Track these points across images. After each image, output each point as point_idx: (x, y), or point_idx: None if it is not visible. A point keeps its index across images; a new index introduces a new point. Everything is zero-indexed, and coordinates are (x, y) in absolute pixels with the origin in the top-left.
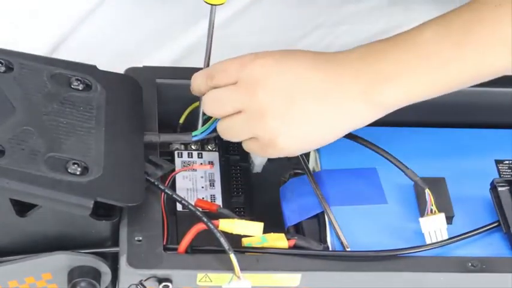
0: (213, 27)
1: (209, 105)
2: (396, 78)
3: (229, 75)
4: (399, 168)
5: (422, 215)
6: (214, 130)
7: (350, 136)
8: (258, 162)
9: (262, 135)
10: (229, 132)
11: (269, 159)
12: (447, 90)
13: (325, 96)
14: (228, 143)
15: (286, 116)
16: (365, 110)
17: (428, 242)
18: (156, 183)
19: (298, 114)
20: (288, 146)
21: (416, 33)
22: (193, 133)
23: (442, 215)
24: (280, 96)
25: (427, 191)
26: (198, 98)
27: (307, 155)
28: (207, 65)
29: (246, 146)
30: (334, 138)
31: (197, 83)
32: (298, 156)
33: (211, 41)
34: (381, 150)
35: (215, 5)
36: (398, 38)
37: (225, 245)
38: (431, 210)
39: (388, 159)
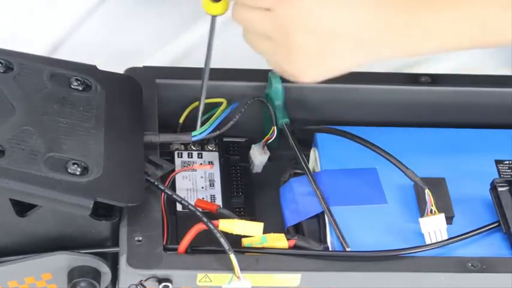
0: (213, 37)
1: (239, 20)
2: (432, 30)
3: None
4: (399, 169)
5: (422, 215)
6: (214, 130)
7: (350, 136)
8: (258, 162)
9: (286, 67)
10: (259, 51)
11: (269, 159)
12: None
13: (361, 46)
14: (228, 143)
15: (316, 60)
16: (392, 54)
17: (428, 242)
18: (156, 183)
19: (328, 60)
20: (309, 80)
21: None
22: (193, 133)
23: (442, 216)
24: (315, 39)
25: (427, 191)
26: (197, 98)
27: (307, 155)
28: (207, 76)
29: (272, 65)
30: (349, 69)
31: None
32: (298, 156)
33: (211, 51)
34: (381, 150)
35: (216, 15)
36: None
37: (225, 245)
38: (431, 210)
39: (388, 159)
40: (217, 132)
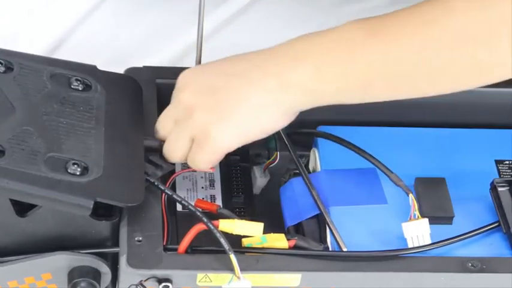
0: (203, 16)
1: (158, 135)
2: (307, 57)
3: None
4: (383, 172)
5: (421, 214)
6: None
7: (336, 139)
8: (258, 184)
9: (195, 132)
10: (171, 150)
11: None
12: (357, 86)
13: (243, 78)
14: None
15: (212, 106)
16: (281, 91)
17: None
18: (156, 183)
19: (223, 101)
20: (223, 135)
21: (341, 26)
22: None
23: (426, 221)
24: (202, 91)
25: (410, 196)
26: None
27: (306, 155)
28: (200, 55)
29: (189, 159)
30: (269, 121)
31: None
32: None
33: (202, 31)
34: (366, 154)
35: None
36: (323, 31)
37: (225, 245)
38: (415, 215)
39: (372, 162)
40: None
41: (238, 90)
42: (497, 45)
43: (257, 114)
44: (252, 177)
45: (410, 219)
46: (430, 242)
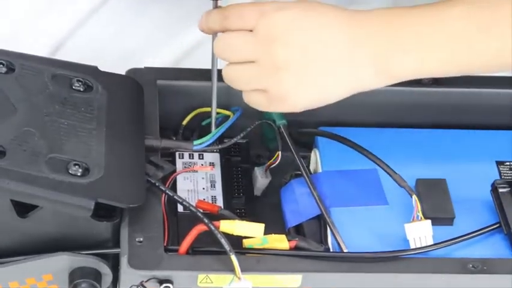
0: None
1: (221, 49)
2: (412, 50)
3: (245, 22)
4: (387, 173)
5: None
6: (216, 141)
7: (340, 139)
8: (259, 185)
9: (273, 89)
10: (236, 79)
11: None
12: (462, 72)
13: (341, 56)
14: (229, 144)
15: (302, 74)
16: (374, 76)
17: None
18: (157, 184)
19: (313, 73)
20: (297, 103)
21: (443, 8)
22: (195, 142)
23: (428, 222)
24: (298, 53)
25: (414, 197)
26: (198, 99)
27: (307, 156)
28: (216, 65)
29: (250, 98)
30: (338, 98)
31: (210, 20)
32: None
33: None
34: (370, 154)
35: None
36: (424, 10)
37: (226, 246)
38: (418, 216)
39: (376, 163)
40: (219, 146)
41: (331, 64)
42: None
43: (337, 90)
44: (253, 178)
45: (413, 220)
46: (432, 243)
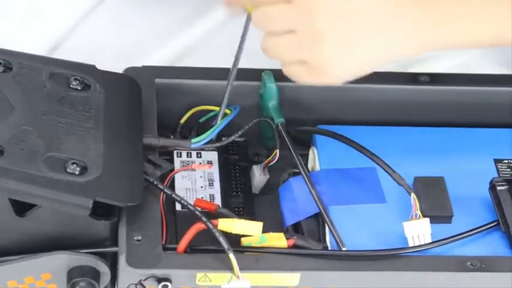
0: (246, 35)
1: (259, 20)
2: (446, 21)
3: None
4: (386, 171)
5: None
6: (213, 139)
7: (339, 137)
8: (257, 183)
9: (314, 61)
10: (275, 50)
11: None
12: (491, 45)
13: (383, 28)
14: (227, 143)
15: (343, 45)
16: (413, 47)
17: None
18: (155, 182)
19: (355, 45)
20: (337, 74)
21: None
22: (193, 140)
23: (427, 220)
24: (340, 24)
25: (412, 195)
26: (196, 98)
27: (305, 154)
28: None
29: (290, 69)
30: (375, 67)
31: None
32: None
33: (242, 50)
34: (369, 152)
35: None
36: None
37: (224, 244)
38: (416, 215)
39: (375, 161)
40: (217, 144)
41: (372, 33)
42: None
43: (377, 58)
44: (251, 175)
45: (411, 218)
46: (430, 241)
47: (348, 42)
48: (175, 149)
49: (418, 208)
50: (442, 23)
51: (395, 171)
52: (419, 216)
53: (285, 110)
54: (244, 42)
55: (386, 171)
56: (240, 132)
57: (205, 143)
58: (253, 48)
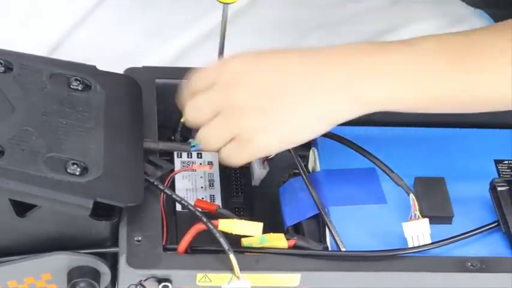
0: (225, 26)
1: (189, 114)
2: (379, 75)
3: (206, 79)
4: (384, 172)
5: (421, 214)
6: None
7: (338, 138)
8: (256, 176)
9: (241, 134)
10: (207, 140)
11: (268, 161)
12: (437, 106)
13: (306, 89)
14: None
15: (266, 112)
16: (345, 104)
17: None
18: (155, 183)
19: (278, 110)
20: (268, 143)
21: (414, 42)
22: (192, 143)
23: (426, 221)
24: (259, 92)
25: (411, 196)
26: None
27: (305, 155)
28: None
29: (224, 153)
30: (314, 134)
31: (181, 97)
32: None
33: (223, 41)
34: (367, 153)
35: (227, 3)
36: (394, 42)
37: (225, 245)
38: (415, 215)
39: (373, 162)
40: None
41: (293, 101)
42: None
43: (308, 126)
44: (251, 169)
45: (410, 219)
46: (430, 241)
47: (272, 111)
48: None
49: (417, 208)
50: (374, 80)
51: (393, 172)
52: (419, 216)
53: None
54: (224, 33)
55: (384, 172)
56: None
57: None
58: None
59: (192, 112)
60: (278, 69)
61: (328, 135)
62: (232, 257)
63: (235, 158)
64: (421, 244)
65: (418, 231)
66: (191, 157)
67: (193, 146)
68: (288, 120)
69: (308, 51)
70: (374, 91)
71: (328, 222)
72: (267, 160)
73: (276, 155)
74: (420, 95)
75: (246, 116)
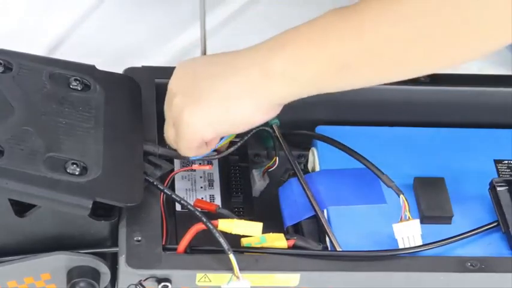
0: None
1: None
2: (285, 45)
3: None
4: (375, 174)
5: (420, 215)
6: (215, 150)
7: (330, 141)
8: (257, 187)
9: (172, 115)
10: (165, 135)
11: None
12: (333, 70)
13: (225, 67)
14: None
15: (189, 91)
16: (261, 81)
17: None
18: (155, 183)
19: (198, 87)
20: (194, 119)
21: (319, 16)
22: None
23: (417, 222)
24: (186, 79)
25: (401, 197)
26: None
27: (305, 155)
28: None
29: (173, 143)
30: (244, 115)
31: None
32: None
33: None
34: (358, 155)
35: None
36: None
37: (225, 245)
38: (406, 216)
39: (364, 164)
40: (217, 155)
41: (216, 78)
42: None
43: (229, 104)
44: (251, 180)
45: (401, 220)
46: (421, 243)
47: (192, 89)
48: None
49: (408, 209)
50: (279, 48)
51: (383, 173)
52: (409, 217)
53: (284, 110)
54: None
55: (374, 173)
56: (238, 144)
57: (204, 156)
58: None
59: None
60: (205, 62)
61: (322, 137)
62: (232, 257)
63: (180, 146)
64: (411, 245)
65: (408, 233)
66: None
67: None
68: (209, 96)
69: (234, 50)
70: (280, 64)
71: (324, 223)
72: (267, 171)
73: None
74: (319, 62)
75: (176, 99)
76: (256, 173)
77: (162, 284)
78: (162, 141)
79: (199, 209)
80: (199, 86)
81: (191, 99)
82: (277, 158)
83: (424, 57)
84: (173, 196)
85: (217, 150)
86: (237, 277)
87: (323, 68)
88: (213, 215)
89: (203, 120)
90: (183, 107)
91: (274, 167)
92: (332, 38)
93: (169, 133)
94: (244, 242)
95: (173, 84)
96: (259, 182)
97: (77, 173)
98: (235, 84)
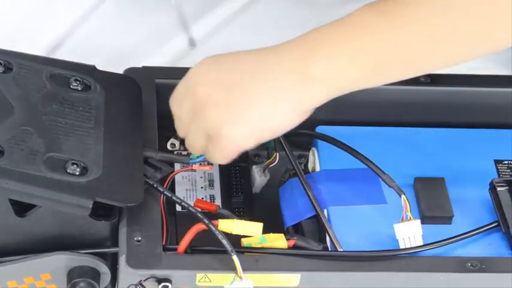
0: None
1: (178, 132)
2: (320, 47)
3: (178, 96)
4: (376, 174)
5: (421, 215)
6: None
7: (331, 140)
8: (257, 183)
9: (209, 130)
10: (190, 144)
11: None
12: (374, 69)
13: (258, 74)
14: None
15: (225, 103)
16: (299, 85)
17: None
18: (155, 185)
19: (235, 99)
20: (235, 134)
21: (351, 13)
22: (191, 155)
23: (418, 222)
24: (218, 85)
25: (402, 197)
26: None
27: (305, 155)
28: None
29: (207, 154)
30: (284, 121)
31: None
32: (293, 157)
33: None
34: (359, 155)
35: None
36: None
37: (227, 246)
38: (407, 216)
39: (365, 163)
40: None
41: (252, 88)
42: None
43: (270, 113)
44: (252, 176)
45: (402, 220)
46: (422, 243)
47: (230, 99)
48: (175, 150)
49: (409, 210)
50: (316, 51)
51: (385, 173)
52: (410, 218)
53: None
54: None
55: (376, 173)
56: None
57: (203, 159)
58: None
59: (178, 129)
60: (233, 65)
61: (323, 137)
62: (235, 258)
63: (216, 156)
64: (412, 246)
65: (409, 233)
66: None
67: (192, 158)
68: (247, 108)
69: (260, 49)
70: (319, 67)
71: (325, 223)
72: (267, 168)
73: (276, 160)
74: (359, 63)
75: (209, 111)
76: (256, 170)
77: (162, 284)
78: (162, 141)
79: (199, 210)
80: (233, 96)
81: (228, 113)
82: (277, 154)
83: (459, 49)
84: (173, 198)
85: None
86: (240, 277)
87: (362, 67)
88: (213, 215)
89: (244, 132)
90: (221, 121)
91: (274, 163)
92: (370, 35)
93: (197, 143)
94: (245, 242)
95: (200, 91)
96: (259, 178)
97: (77, 173)
98: (271, 91)
